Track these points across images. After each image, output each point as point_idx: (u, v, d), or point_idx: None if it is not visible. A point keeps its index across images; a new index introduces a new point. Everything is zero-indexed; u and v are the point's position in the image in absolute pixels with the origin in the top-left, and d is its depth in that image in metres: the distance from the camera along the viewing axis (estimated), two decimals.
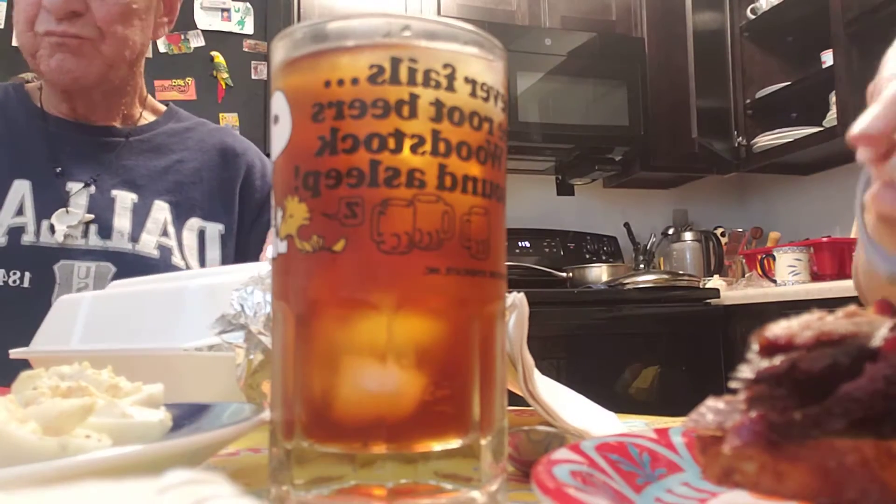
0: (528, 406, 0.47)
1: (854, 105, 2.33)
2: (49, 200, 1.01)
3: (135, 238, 1.02)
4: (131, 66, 1.07)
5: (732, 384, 0.26)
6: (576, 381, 0.69)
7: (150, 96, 1.18)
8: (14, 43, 2.46)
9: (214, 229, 1.10)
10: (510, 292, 0.40)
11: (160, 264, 1.02)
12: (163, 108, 1.19)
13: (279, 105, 0.31)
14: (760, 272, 2.63)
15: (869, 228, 0.51)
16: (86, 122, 1.09)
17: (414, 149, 0.29)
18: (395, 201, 0.29)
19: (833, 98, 2.53)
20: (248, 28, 2.58)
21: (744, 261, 2.92)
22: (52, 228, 0.99)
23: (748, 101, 2.90)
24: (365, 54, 0.30)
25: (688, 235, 3.05)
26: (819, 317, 0.27)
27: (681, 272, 2.69)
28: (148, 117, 1.16)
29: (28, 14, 0.99)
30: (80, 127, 1.08)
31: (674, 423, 0.43)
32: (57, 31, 0.98)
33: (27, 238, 0.99)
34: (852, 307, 0.28)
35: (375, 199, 0.29)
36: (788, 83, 2.80)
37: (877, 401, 0.23)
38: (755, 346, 0.27)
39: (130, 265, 1.00)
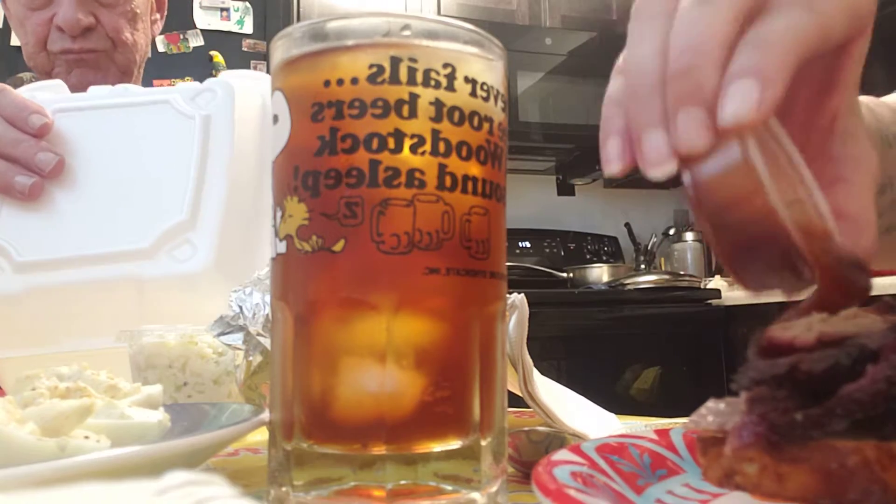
0: (528, 407, 0.47)
1: None
2: None
3: None
4: (139, 69, 1.09)
5: (733, 385, 0.26)
6: (576, 382, 0.69)
7: None
8: (13, 43, 2.46)
9: None
10: (510, 293, 0.40)
11: None
12: None
13: (278, 105, 0.31)
14: None
15: None
16: None
17: (414, 148, 0.29)
18: (394, 201, 0.29)
19: None
20: (248, 27, 2.58)
21: None
22: None
23: None
24: (365, 54, 0.29)
25: (689, 236, 3.04)
26: (820, 318, 0.27)
27: (682, 272, 2.68)
28: None
29: (39, 35, 1.00)
30: None
31: (674, 425, 0.43)
32: (74, 48, 0.99)
33: None
34: (853, 308, 0.28)
35: (375, 199, 0.29)
36: None
37: (878, 402, 0.23)
38: (756, 347, 0.27)
39: None
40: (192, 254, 0.64)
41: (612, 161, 0.32)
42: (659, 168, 0.29)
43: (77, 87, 1.01)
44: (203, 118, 0.71)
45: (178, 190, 0.66)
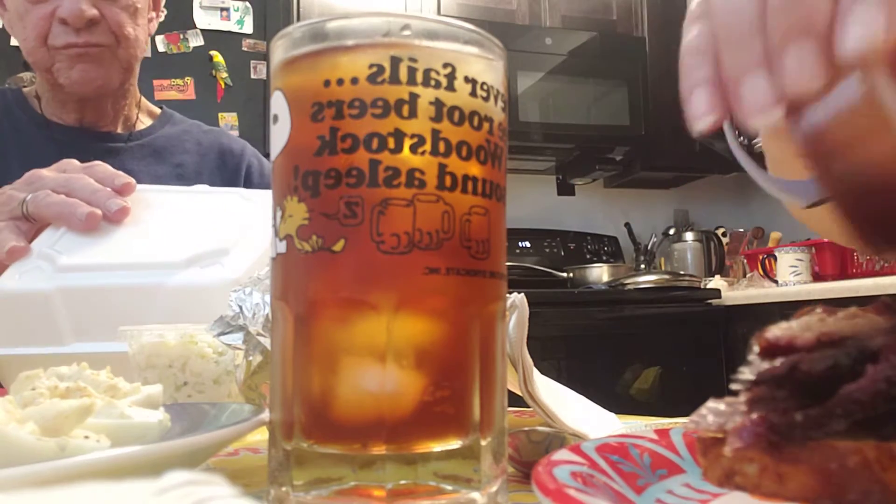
0: (528, 407, 0.47)
1: None
2: None
3: None
4: (138, 66, 1.09)
5: (733, 385, 0.26)
6: (576, 382, 0.69)
7: (143, 98, 1.18)
8: (14, 43, 2.46)
9: None
10: (510, 292, 0.40)
11: None
12: (157, 110, 1.20)
13: (278, 104, 0.31)
14: (762, 272, 2.62)
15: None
16: (88, 128, 1.09)
17: (414, 148, 0.29)
18: (394, 201, 0.29)
19: None
20: (248, 27, 2.58)
21: (745, 261, 2.91)
22: None
23: None
24: (365, 53, 0.29)
25: (689, 235, 3.05)
26: (819, 318, 0.27)
27: (682, 272, 2.68)
28: (144, 120, 1.17)
29: (41, 29, 0.99)
30: (83, 133, 1.09)
31: (674, 425, 0.43)
32: (78, 42, 0.99)
33: None
34: (853, 308, 0.28)
35: (375, 199, 0.29)
36: None
37: (878, 402, 0.23)
38: (756, 348, 0.27)
39: None
40: (219, 271, 0.68)
41: (703, 115, 0.28)
42: (764, 116, 0.26)
43: (79, 83, 1.01)
44: (261, 203, 0.79)
45: (226, 235, 0.72)
